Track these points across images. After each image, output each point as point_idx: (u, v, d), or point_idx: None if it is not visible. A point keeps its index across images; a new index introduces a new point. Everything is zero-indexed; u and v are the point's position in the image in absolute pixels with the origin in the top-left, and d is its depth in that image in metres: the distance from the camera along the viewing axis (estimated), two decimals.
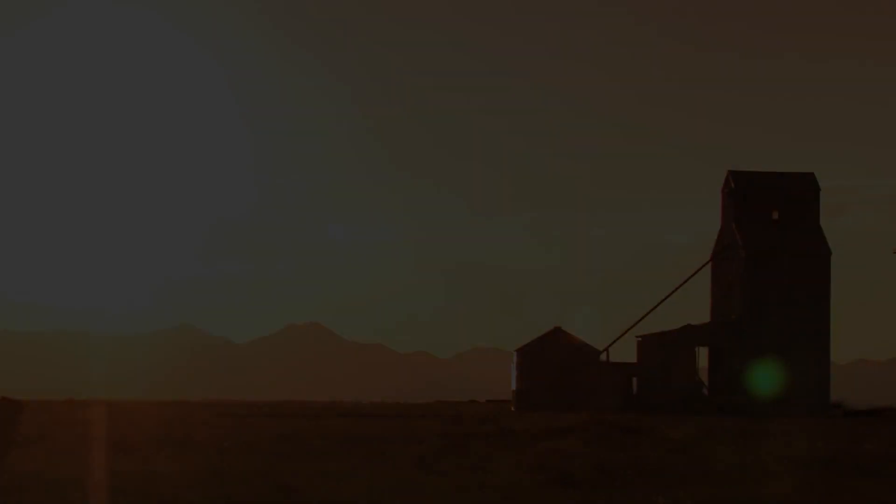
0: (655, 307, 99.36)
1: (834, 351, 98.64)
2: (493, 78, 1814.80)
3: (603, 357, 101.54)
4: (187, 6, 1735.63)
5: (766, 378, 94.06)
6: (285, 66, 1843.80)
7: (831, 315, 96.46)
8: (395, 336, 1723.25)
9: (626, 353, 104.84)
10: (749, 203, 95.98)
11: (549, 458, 30.14)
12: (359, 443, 36.74)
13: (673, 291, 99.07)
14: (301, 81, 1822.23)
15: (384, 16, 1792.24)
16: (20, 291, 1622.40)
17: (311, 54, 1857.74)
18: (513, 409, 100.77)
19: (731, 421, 59.73)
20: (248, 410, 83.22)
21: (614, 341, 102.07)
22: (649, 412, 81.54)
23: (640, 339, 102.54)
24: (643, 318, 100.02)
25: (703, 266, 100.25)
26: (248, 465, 26.40)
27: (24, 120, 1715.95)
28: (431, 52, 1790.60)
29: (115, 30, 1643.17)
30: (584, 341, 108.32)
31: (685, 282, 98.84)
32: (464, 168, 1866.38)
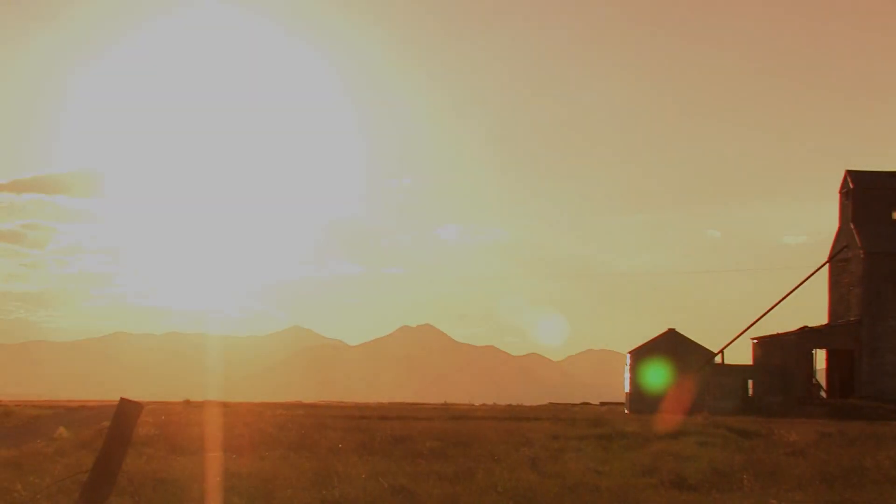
0: (771, 308, 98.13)
1: None
2: (605, 80, 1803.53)
3: (718, 359, 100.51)
4: (302, 9, 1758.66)
5: (884, 380, 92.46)
6: (396, 69, 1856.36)
7: None
8: (507, 338, 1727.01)
9: (741, 355, 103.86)
10: (867, 203, 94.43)
11: (663, 460, 29.84)
12: (471, 445, 36.70)
13: (790, 293, 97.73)
14: (412, 83, 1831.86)
15: (492, 17, 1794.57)
16: (137, 294, 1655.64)
17: (423, 55, 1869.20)
18: (626, 411, 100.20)
19: (849, 424, 58.54)
20: (361, 412, 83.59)
21: (729, 343, 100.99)
22: (765, 415, 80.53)
23: (755, 340, 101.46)
24: (759, 319, 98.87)
25: (821, 267, 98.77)
26: (361, 466, 26.45)
27: (138, 122, 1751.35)
28: (540, 54, 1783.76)
29: (230, 33, 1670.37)
30: (699, 343, 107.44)
31: (802, 283, 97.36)
32: (578, 168, 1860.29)
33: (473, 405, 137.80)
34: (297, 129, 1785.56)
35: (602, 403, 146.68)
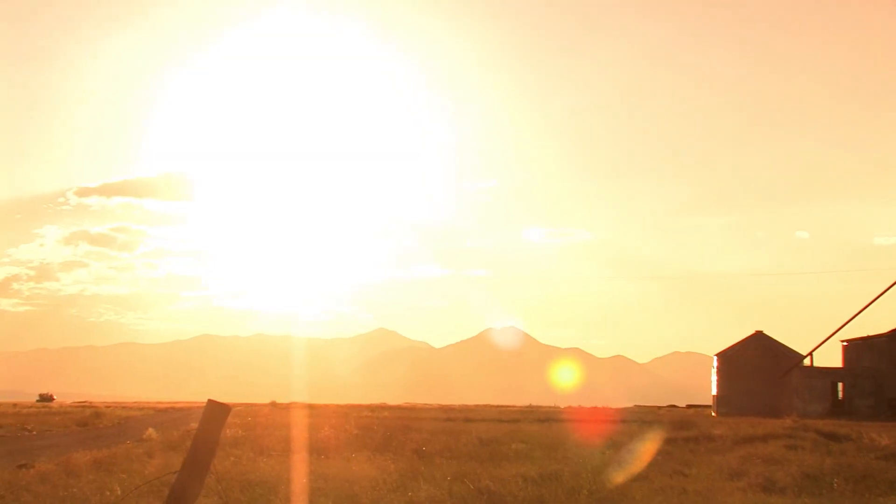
0: (862, 310, 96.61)
1: None
2: (691, 81, 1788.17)
3: (807, 362, 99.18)
4: (389, 12, 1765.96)
5: None
6: (482, 72, 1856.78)
7: None
8: (593, 340, 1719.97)
9: (830, 357, 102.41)
10: None
11: (751, 463, 29.52)
12: (557, 447, 36.60)
13: (881, 294, 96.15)
14: (498, 87, 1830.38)
15: (576, 22, 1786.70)
16: (224, 297, 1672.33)
17: (509, 59, 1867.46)
18: (713, 414, 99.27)
19: None
20: (447, 414, 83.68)
21: (819, 345, 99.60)
22: (855, 418, 79.41)
23: (845, 343, 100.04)
24: (849, 321, 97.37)
25: None
26: (447, 468, 26.48)
27: (226, 125, 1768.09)
28: (624, 57, 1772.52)
29: (317, 37, 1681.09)
30: (787, 345, 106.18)
31: (893, 284, 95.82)
32: (664, 169, 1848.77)
33: (558, 407, 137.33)
34: (383, 131, 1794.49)
35: (689, 406, 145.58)
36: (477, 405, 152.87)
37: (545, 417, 77.32)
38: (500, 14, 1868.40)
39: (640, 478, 25.55)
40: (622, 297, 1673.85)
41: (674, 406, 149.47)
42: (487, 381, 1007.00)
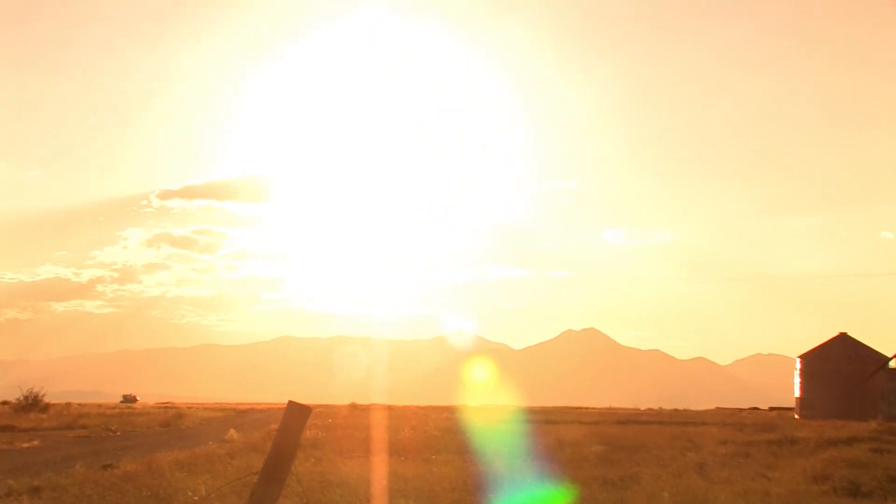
0: None
1: None
2: (775, 80, 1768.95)
3: (892, 364, 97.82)
4: (470, 15, 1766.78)
5: None
6: (561, 73, 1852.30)
7: None
8: (674, 342, 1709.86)
9: None
10: None
11: (836, 466, 29.11)
12: (637, 450, 36.37)
13: None
14: (577, 87, 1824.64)
15: (655, 23, 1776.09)
16: (304, 298, 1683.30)
17: (588, 60, 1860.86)
18: (796, 416, 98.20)
19: None
20: (526, 416, 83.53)
21: None
22: None
23: None
24: None
25: None
26: (527, 470, 26.42)
27: (305, 128, 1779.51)
28: (706, 57, 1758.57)
29: (397, 39, 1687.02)
30: (872, 348, 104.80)
31: None
32: (746, 169, 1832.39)
33: (638, 409, 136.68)
34: (463, 131, 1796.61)
35: (771, 408, 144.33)
36: (556, 407, 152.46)
37: (625, 419, 76.97)
38: (579, 13, 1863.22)
39: (722, 481, 25.31)
40: (703, 298, 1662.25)
41: (756, 408, 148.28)
42: (567, 382, 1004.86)
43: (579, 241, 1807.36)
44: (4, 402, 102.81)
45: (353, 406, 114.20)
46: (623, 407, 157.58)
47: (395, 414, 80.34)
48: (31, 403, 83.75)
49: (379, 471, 24.99)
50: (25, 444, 43.87)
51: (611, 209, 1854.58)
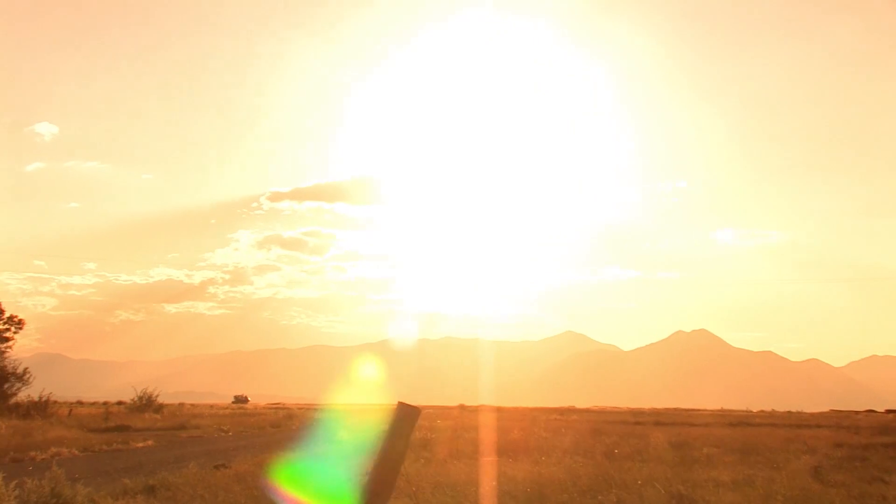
0: None
1: None
2: (885, 75, 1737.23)
3: None
4: (574, 14, 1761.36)
5: None
6: (669, 72, 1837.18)
7: None
8: (786, 343, 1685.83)
9: None
10: None
11: None
12: (750, 452, 35.88)
13: None
14: (686, 87, 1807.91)
15: (760, 23, 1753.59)
16: (413, 299, 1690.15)
17: (695, 60, 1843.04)
18: None
19: None
20: (636, 417, 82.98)
21: None
22: None
23: None
24: None
25: None
26: (637, 473, 26.17)
27: (412, 130, 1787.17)
28: (816, 54, 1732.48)
29: (502, 40, 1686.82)
30: None
31: None
32: (859, 165, 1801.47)
33: (751, 411, 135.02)
34: (571, 133, 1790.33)
35: (888, 411, 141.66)
36: (667, 408, 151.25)
37: (737, 421, 76.08)
38: (688, 12, 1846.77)
39: (837, 484, 24.83)
40: (816, 298, 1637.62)
41: (872, 411, 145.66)
42: (677, 384, 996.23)
43: (689, 242, 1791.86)
44: (119, 403, 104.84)
45: (462, 407, 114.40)
46: (735, 409, 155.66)
47: (504, 415, 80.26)
48: (146, 404, 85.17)
49: (488, 472, 24.93)
50: (140, 444, 44.57)
51: (721, 209, 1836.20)
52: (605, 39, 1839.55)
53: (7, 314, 72.67)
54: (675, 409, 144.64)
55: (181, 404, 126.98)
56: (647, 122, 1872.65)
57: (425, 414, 72.92)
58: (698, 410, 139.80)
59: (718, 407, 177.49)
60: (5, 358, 73.14)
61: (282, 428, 68.28)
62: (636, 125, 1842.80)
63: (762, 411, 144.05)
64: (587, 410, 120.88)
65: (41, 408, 68.35)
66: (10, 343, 73.35)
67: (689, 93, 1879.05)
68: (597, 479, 24.17)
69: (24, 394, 72.66)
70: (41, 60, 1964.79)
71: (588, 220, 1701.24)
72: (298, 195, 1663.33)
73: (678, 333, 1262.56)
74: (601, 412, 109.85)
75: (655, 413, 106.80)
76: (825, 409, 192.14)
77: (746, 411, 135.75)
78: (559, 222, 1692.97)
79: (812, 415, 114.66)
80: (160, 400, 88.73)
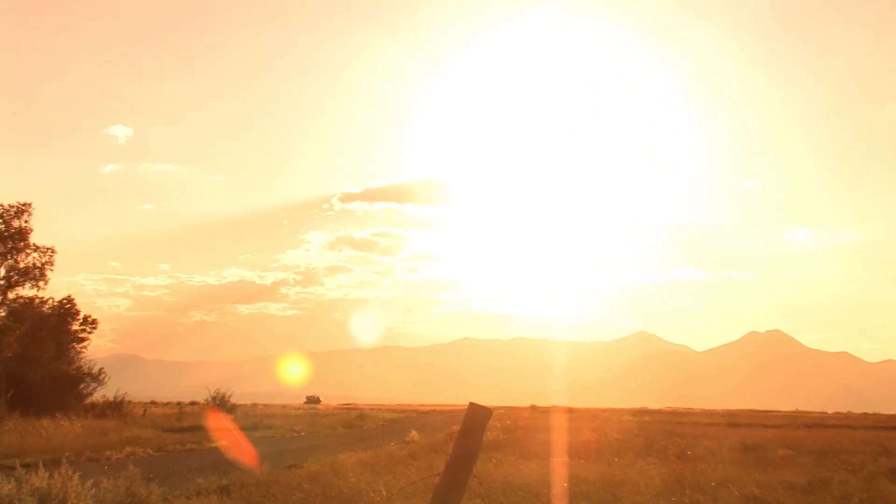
0: None
1: None
2: None
3: None
4: (644, 13, 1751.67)
5: None
6: (741, 71, 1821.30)
7: None
8: (862, 344, 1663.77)
9: None
10: None
11: None
12: (825, 454, 35.50)
13: None
14: (758, 83, 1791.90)
15: (833, 20, 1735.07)
16: (484, 300, 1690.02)
17: (770, 59, 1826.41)
18: None
19: None
20: (709, 419, 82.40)
21: None
22: None
23: None
24: None
25: None
26: (711, 474, 25.98)
27: (482, 131, 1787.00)
28: (891, 48, 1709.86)
29: (570, 39, 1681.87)
30: None
31: None
32: None
33: (826, 413, 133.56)
34: (642, 132, 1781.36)
35: None
36: (740, 410, 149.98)
37: (812, 423, 75.33)
38: (762, 12, 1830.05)
39: None
40: (894, 299, 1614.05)
41: None
42: (751, 385, 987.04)
43: (763, 242, 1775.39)
44: (193, 403, 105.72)
45: (534, 408, 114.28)
46: (809, 410, 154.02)
47: (576, 416, 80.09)
48: (219, 404, 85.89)
49: (560, 473, 24.86)
50: (214, 444, 44.97)
51: (795, 208, 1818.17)
52: (677, 38, 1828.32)
53: (82, 315, 73.57)
54: (749, 411, 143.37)
55: (254, 404, 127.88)
56: (721, 121, 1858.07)
57: (496, 415, 72.94)
58: (772, 412, 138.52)
59: (793, 408, 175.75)
60: (81, 358, 74.08)
61: (354, 428, 68.59)
62: (709, 124, 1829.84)
63: (837, 413, 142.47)
64: (659, 411, 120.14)
65: (116, 408, 69.19)
66: (85, 343, 74.28)
67: (764, 91, 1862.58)
68: (670, 481, 24.03)
69: (100, 394, 73.56)
70: (115, 64, 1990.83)
71: (661, 220, 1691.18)
72: (369, 196, 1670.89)
73: (751, 334, 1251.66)
74: (673, 413, 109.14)
75: (728, 414, 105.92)
76: None
77: (821, 413, 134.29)
78: (632, 222, 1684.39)
79: (889, 416, 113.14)
80: (233, 400, 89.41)
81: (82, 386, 73.16)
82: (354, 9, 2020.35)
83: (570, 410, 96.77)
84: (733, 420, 79.54)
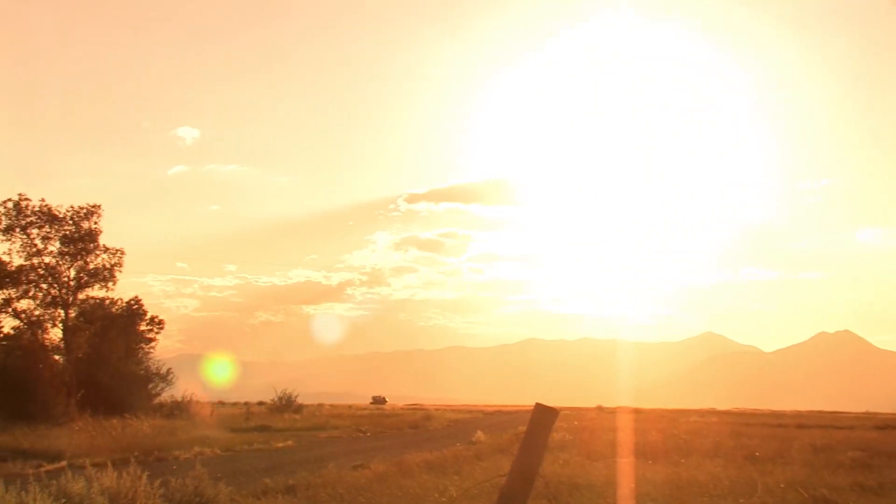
0: None
1: None
2: None
3: None
4: (711, 14, 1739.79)
5: None
6: (809, 70, 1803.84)
7: None
8: None
9: None
10: None
11: None
12: None
13: None
14: (828, 82, 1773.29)
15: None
16: (550, 301, 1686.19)
17: (839, 53, 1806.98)
18: None
19: None
20: (778, 420, 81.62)
21: None
22: None
23: None
24: None
25: None
26: (780, 476, 25.73)
27: (548, 131, 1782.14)
28: None
29: (638, 41, 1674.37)
30: None
31: None
32: None
33: None
34: (711, 133, 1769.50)
35: None
36: (809, 411, 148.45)
37: (884, 424, 74.35)
38: (827, 10, 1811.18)
39: None
40: None
41: None
42: (820, 386, 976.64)
43: (833, 242, 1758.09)
44: (260, 403, 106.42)
45: (600, 408, 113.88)
46: (881, 412, 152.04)
47: (643, 417, 79.66)
48: (286, 404, 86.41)
49: (626, 474, 24.76)
50: (280, 444, 45.24)
51: (866, 208, 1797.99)
52: (745, 38, 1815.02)
53: (149, 315, 74.29)
54: (818, 412, 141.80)
55: (320, 405, 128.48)
56: (789, 120, 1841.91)
57: (563, 415, 72.64)
58: (842, 413, 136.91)
59: (863, 410, 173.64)
60: (149, 358, 74.81)
61: (420, 429, 68.68)
62: (778, 123, 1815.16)
63: None
64: (727, 412, 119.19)
65: (184, 408, 69.76)
66: (153, 344, 75.00)
67: (833, 89, 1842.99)
68: (738, 482, 23.83)
69: (168, 394, 74.23)
70: (182, 66, 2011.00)
71: (729, 220, 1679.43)
72: (435, 196, 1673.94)
73: (821, 335, 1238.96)
74: (741, 414, 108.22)
75: (798, 415, 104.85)
76: None
77: (893, 414, 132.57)
78: (699, 222, 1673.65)
79: None
80: (299, 400, 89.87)
81: (151, 386, 73.87)
82: (421, 8, 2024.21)
83: (637, 411, 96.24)
84: (802, 421, 78.75)
